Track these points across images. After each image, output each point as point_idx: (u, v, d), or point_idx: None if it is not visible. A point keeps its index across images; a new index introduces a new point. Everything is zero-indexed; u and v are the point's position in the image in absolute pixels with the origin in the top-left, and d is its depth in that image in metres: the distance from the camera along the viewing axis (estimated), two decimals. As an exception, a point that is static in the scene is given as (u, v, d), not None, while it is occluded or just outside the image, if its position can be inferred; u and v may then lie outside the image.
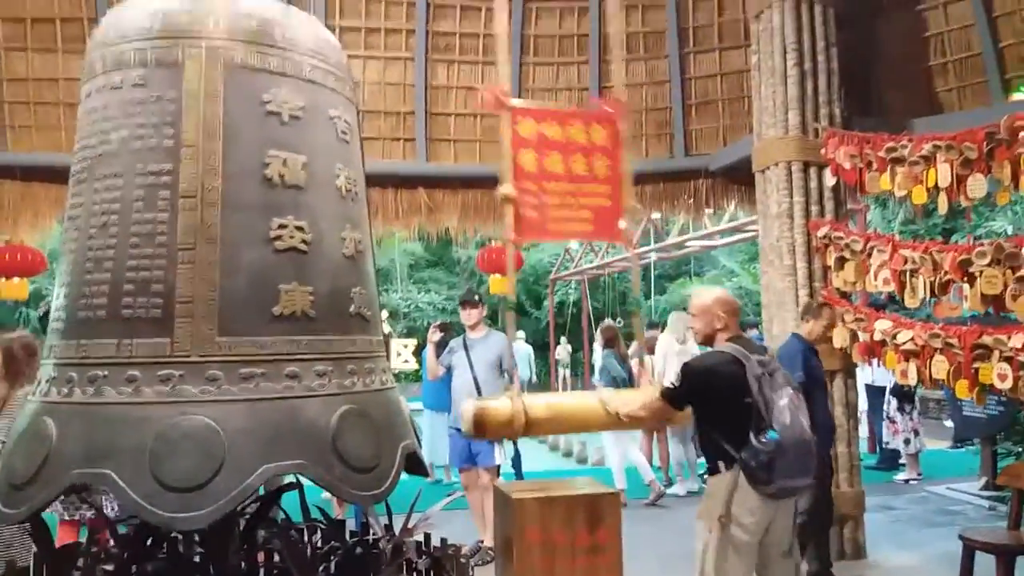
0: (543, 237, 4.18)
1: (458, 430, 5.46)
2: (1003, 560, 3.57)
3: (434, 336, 5.78)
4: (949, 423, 10.06)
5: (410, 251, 21.27)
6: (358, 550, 2.64)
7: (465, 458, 5.60)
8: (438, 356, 5.82)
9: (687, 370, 3.19)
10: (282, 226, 2.38)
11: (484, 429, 3.10)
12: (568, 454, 10.13)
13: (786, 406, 2.98)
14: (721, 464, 3.07)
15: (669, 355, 7.86)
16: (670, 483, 8.05)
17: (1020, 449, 6.54)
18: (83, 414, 2.22)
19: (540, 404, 3.19)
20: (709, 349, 3.30)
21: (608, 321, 8.69)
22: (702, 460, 8.04)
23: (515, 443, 6.10)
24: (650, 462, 8.25)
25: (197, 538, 2.79)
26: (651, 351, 8.40)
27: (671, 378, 7.40)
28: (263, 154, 2.39)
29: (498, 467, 5.70)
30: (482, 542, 5.43)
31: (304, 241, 2.42)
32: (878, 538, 5.57)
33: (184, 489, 2.08)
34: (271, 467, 2.19)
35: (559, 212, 3.69)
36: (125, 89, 2.43)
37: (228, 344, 2.26)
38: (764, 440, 2.92)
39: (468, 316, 5.60)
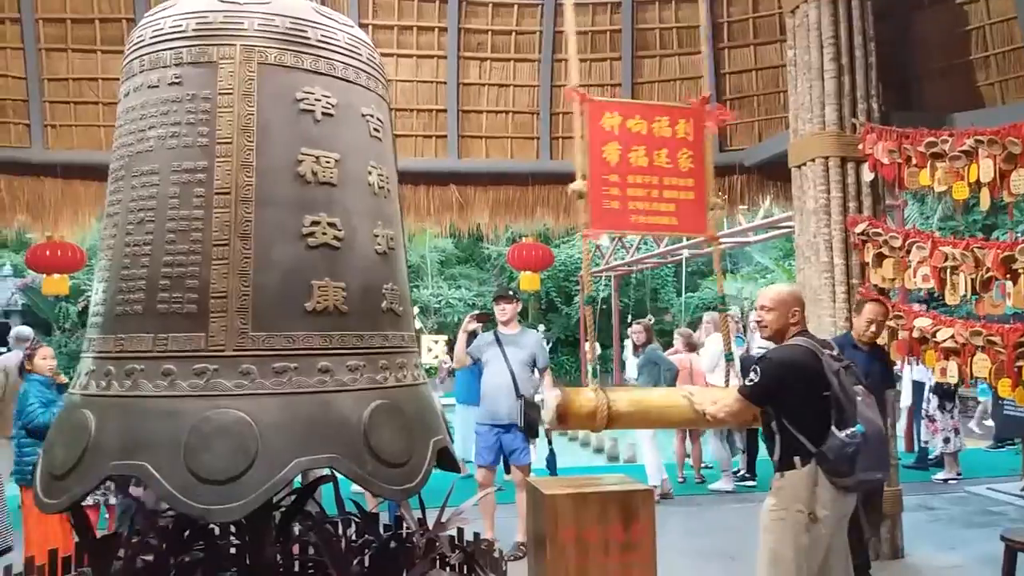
0: (625, 229, 4.38)
1: (491, 426, 5.48)
2: (1046, 563, 3.49)
3: (469, 325, 5.71)
4: (990, 422, 9.85)
5: (440, 247, 21.36)
6: (392, 544, 2.65)
7: (493, 456, 5.58)
8: (468, 346, 5.80)
9: (766, 365, 3.16)
10: (315, 223, 2.40)
11: (567, 419, 3.16)
12: (599, 450, 10.10)
13: (863, 400, 3.02)
14: (797, 459, 3.05)
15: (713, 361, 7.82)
16: (702, 480, 8.00)
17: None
18: (120, 407, 2.26)
19: (623, 398, 3.24)
20: (774, 345, 3.32)
21: (646, 320, 8.65)
22: (736, 458, 8.04)
23: (550, 440, 6.11)
24: (683, 460, 8.20)
25: (234, 530, 2.84)
26: (689, 348, 8.34)
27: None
28: (296, 151, 2.41)
29: (529, 465, 5.70)
30: (514, 541, 5.43)
31: (336, 238, 2.43)
32: (917, 538, 5.48)
33: (218, 481, 2.10)
34: (304, 460, 2.22)
35: (643, 205, 3.80)
36: (162, 88, 2.46)
37: (261, 338, 2.28)
38: (850, 433, 2.95)
39: (503, 311, 5.58)
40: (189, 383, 2.23)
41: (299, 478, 2.62)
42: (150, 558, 2.69)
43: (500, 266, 20.53)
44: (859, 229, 5.11)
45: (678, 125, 3.88)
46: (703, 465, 8.24)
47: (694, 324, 13.85)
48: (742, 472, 8.05)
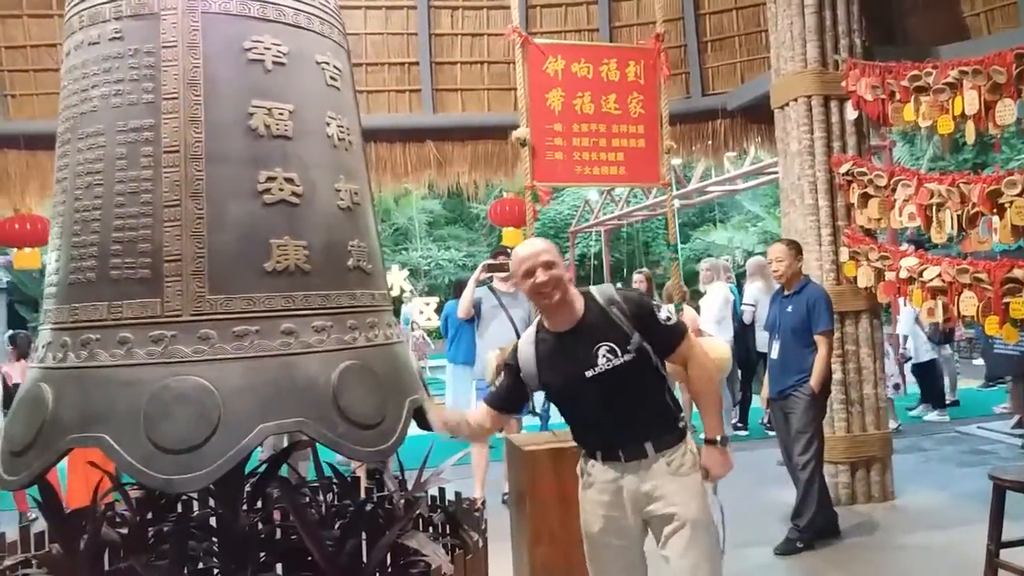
0: (570, 181, 3.87)
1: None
2: (1036, 498, 3.46)
3: (483, 274, 5.47)
4: (980, 362, 9.87)
5: (428, 209, 21.19)
6: (369, 507, 2.60)
7: None
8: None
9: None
10: (270, 178, 2.30)
11: None
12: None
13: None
14: None
15: (761, 302, 7.60)
16: (694, 430, 7.99)
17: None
18: (78, 378, 2.18)
19: None
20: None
21: (646, 270, 8.47)
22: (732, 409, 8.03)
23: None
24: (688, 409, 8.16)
25: (212, 500, 2.78)
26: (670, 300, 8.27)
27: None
28: (247, 104, 2.30)
29: (521, 419, 5.68)
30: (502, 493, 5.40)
31: (295, 193, 2.33)
32: (907, 480, 5.48)
33: (180, 451, 2.03)
34: (269, 426, 2.14)
35: (589, 155, 3.59)
36: (102, 44, 2.35)
37: (220, 302, 2.19)
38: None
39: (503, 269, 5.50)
40: (146, 351, 2.14)
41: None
42: (124, 531, 2.63)
43: (489, 226, 20.41)
44: (843, 169, 5.01)
45: (628, 68, 3.65)
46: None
47: (688, 277, 13.79)
48: (734, 422, 8.05)
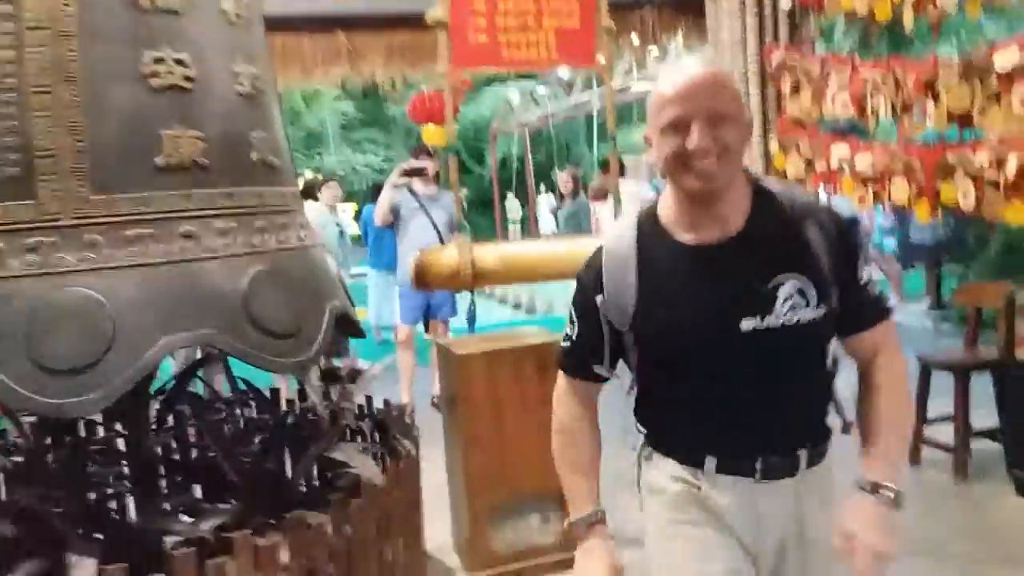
0: (495, 65, 3.39)
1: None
2: (960, 376, 3.56)
3: (399, 179, 5.17)
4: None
5: (342, 110, 20.32)
6: (290, 421, 2.43)
7: (418, 314, 5.40)
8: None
9: None
10: (157, 59, 2.01)
11: (427, 280, 2.86)
12: (518, 306, 10.07)
13: None
14: None
15: (635, 201, 7.59)
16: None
17: (965, 270, 6.59)
18: (-55, 296, 1.90)
19: (490, 254, 2.95)
20: None
21: (574, 167, 8.26)
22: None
23: (472, 297, 5.92)
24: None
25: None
26: (599, 199, 8.17)
27: None
28: (124, -30, 1.97)
29: (448, 321, 5.56)
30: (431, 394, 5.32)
31: (186, 77, 2.05)
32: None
33: (70, 372, 1.80)
34: (172, 339, 1.93)
35: (517, 36, 3.24)
36: None
37: (105, 203, 1.93)
38: None
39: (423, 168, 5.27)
40: (22, 261, 1.87)
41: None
42: (20, 459, 2.41)
43: (408, 127, 19.76)
44: (776, 59, 4.87)
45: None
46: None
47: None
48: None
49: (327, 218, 6.47)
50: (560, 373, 1.61)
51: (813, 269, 1.39)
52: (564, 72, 11.28)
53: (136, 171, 1.97)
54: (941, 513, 3.39)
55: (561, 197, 8.18)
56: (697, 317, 1.39)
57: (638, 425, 1.59)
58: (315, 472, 2.41)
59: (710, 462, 1.44)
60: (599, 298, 1.46)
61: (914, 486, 3.70)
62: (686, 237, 1.42)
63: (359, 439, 2.62)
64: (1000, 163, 3.36)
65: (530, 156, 15.94)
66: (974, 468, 3.64)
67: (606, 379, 1.57)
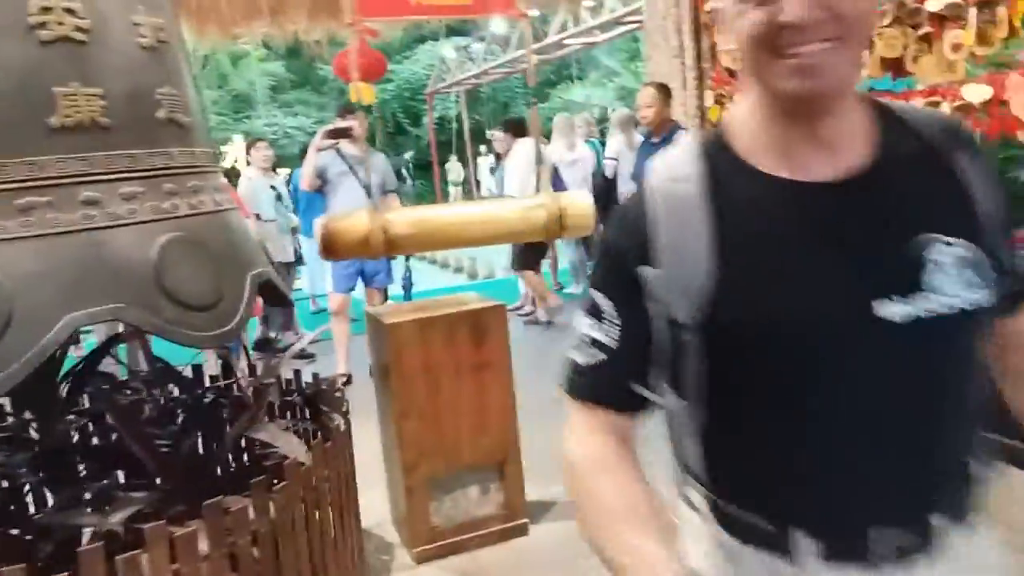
0: (403, 14, 3.16)
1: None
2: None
3: (324, 142, 4.92)
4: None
5: (270, 71, 19.68)
6: (209, 399, 2.30)
7: (352, 282, 5.22)
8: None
9: None
10: (45, 8, 1.83)
11: (336, 249, 2.68)
12: (459, 270, 9.95)
13: None
14: None
15: (561, 164, 7.48)
16: (560, 287, 8.03)
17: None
18: None
19: (403, 219, 2.79)
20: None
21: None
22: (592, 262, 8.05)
23: (407, 263, 5.78)
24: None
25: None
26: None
27: (569, 188, 6.94)
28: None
29: (386, 288, 5.41)
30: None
31: (80, 28, 1.87)
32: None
33: (-41, 355, 1.65)
34: (77, 316, 1.78)
35: None
36: None
37: (-7, 168, 1.75)
38: None
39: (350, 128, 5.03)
40: (-101, 234, 1.70)
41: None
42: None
43: (340, 87, 19.24)
44: (710, 6, 4.80)
45: None
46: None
47: (549, 134, 13.55)
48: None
49: (261, 182, 6.17)
50: (574, 404, 0.99)
51: (977, 226, 0.90)
52: (499, 27, 11.06)
53: (28, 133, 1.81)
54: None
55: (497, 157, 8.00)
56: (817, 299, 0.87)
57: (694, 474, 1.02)
58: (243, 453, 2.30)
59: (806, 543, 0.90)
60: (647, 273, 0.91)
61: None
62: (780, 171, 0.91)
63: (288, 415, 2.51)
64: (932, 113, 3.37)
65: (467, 116, 15.70)
66: None
67: (649, 409, 0.98)
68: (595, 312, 0.96)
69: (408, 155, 15.12)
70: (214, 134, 17.26)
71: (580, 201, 2.96)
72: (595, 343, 0.95)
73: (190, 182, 2.09)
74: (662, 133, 4.35)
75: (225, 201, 2.24)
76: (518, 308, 7.03)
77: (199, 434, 2.20)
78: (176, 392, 2.50)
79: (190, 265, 1.99)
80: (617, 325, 0.94)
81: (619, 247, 0.96)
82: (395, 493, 2.96)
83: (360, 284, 5.26)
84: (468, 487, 2.86)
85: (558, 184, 7.22)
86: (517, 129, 6.86)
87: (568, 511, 3.18)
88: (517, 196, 5.67)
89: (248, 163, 6.47)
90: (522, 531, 2.95)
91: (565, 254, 7.95)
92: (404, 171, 17.13)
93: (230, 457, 2.34)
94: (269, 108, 19.57)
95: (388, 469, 3.00)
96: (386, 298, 5.43)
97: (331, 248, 2.65)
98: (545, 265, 8.19)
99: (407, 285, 5.61)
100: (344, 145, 5.02)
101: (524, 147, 6.52)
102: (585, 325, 0.97)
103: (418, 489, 2.75)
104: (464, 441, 2.80)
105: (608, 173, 7.54)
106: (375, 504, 3.09)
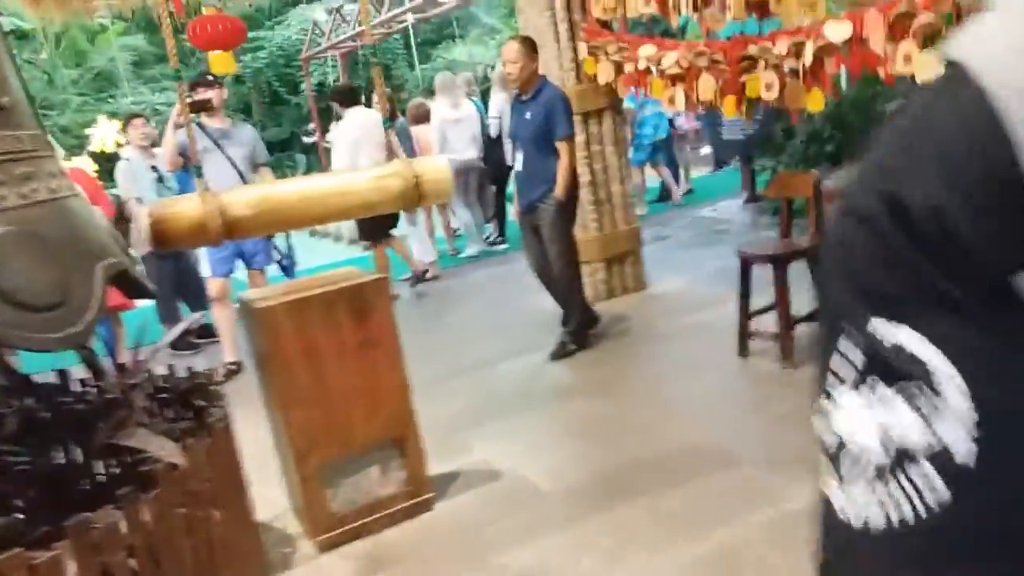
0: None
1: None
2: (778, 266, 3.67)
3: (180, 117, 4.57)
4: (707, 149, 10.56)
5: (131, 46, 18.50)
6: (63, 403, 2.10)
7: (230, 265, 4.93)
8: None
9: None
10: None
11: (168, 238, 2.44)
12: (353, 241, 9.64)
13: None
14: None
15: (446, 123, 7.31)
16: (456, 252, 7.93)
17: (775, 163, 6.88)
18: None
19: (241, 200, 2.56)
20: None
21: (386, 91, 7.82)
22: (488, 225, 8.00)
23: (287, 240, 5.53)
24: (432, 232, 7.92)
25: None
26: (419, 121, 7.88)
27: (456, 147, 6.79)
28: None
29: (264, 269, 5.15)
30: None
31: None
32: (656, 268, 5.74)
33: None
34: None
35: None
36: None
37: None
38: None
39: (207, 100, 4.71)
40: None
41: None
42: None
43: (206, 59, 18.31)
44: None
45: None
46: (455, 232, 8.18)
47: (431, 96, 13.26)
48: (493, 236, 8.05)
49: (141, 164, 5.67)
50: None
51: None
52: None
53: None
54: (773, 400, 3.48)
55: (377, 124, 7.74)
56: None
57: None
58: (115, 462, 2.12)
59: None
60: None
61: (746, 376, 3.85)
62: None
63: (162, 414, 2.34)
64: (798, 52, 3.42)
65: (348, 80, 15.21)
66: (800, 352, 3.78)
67: None
68: (891, 382, 0.43)
69: (311, 126, 14.56)
70: (77, 116, 16.16)
71: (436, 165, 2.83)
72: (910, 459, 0.42)
73: (18, 169, 1.88)
74: (530, 89, 4.24)
75: (64, 187, 2.03)
76: (409, 278, 6.88)
77: (62, 447, 2.01)
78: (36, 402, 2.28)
79: (26, 261, 1.79)
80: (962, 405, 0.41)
81: (940, 223, 0.41)
82: (291, 483, 2.82)
83: (242, 265, 5.01)
84: (368, 468, 2.75)
85: (411, 149, 7.06)
86: (345, 98, 6.52)
87: (473, 480, 3.13)
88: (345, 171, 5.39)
89: (126, 143, 5.98)
90: (427, 506, 2.87)
91: (460, 216, 7.83)
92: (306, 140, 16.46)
93: (103, 467, 2.17)
94: (134, 85, 18.44)
95: (281, 459, 2.85)
96: (266, 281, 5.18)
97: (162, 238, 2.41)
98: (439, 228, 8.07)
99: (288, 264, 5.39)
100: (205, 119, 4.72)
101: (354, 116, 6.24)
102: (869, 432, 0.43)
103: (312, 477, 2.62)
104: (357, 423, 2.68)
105: (492, 132, 7.46)
106: (274, 496, 2.96)
